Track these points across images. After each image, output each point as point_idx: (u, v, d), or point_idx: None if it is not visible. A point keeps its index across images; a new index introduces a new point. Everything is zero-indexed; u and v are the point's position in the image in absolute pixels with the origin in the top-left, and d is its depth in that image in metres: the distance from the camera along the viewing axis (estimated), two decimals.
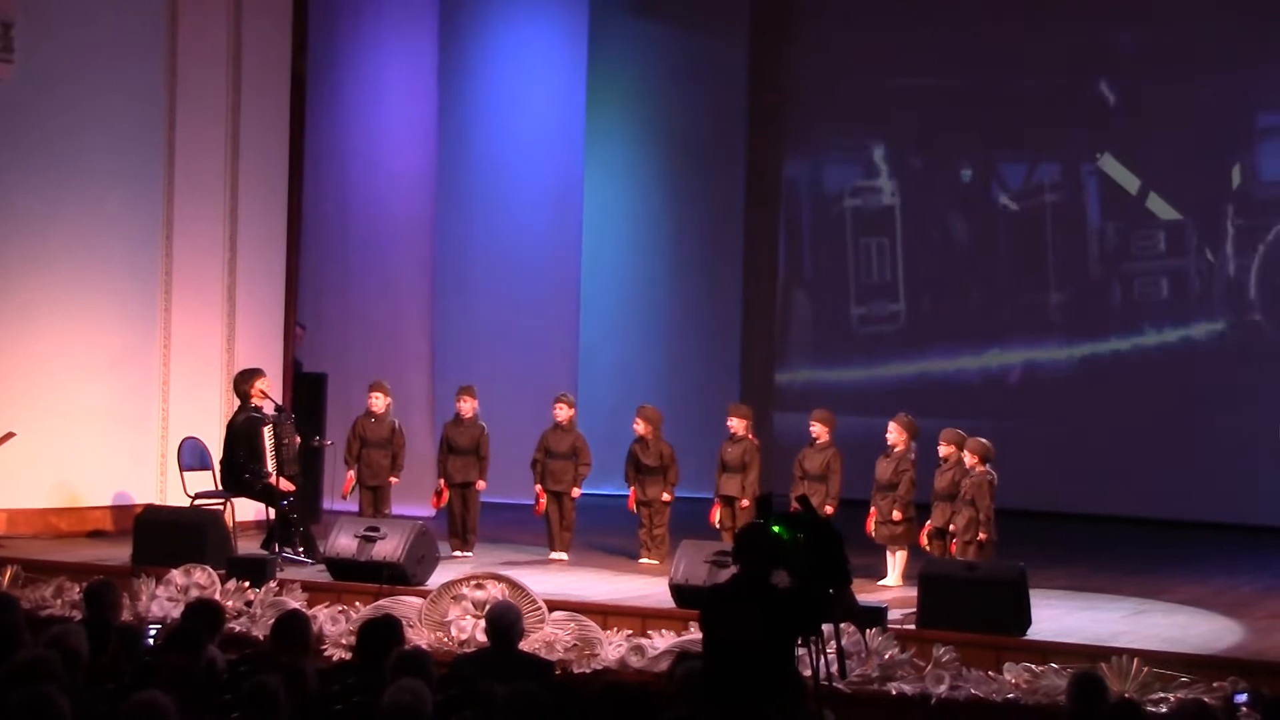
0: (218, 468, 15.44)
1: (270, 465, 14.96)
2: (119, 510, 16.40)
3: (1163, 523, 19.35)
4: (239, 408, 15.23)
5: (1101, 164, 20.56)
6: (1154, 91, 20.20)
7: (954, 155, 21.20)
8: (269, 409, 15.13)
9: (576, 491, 15.69)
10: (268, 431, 14.93)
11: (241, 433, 15.00)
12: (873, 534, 14.54)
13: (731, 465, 15.34)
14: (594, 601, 13.24)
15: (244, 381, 15.25)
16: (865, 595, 13.06)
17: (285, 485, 15.00)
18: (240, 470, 14.99)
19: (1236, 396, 19.92)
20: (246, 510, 15.82)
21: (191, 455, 15.94)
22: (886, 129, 21.39)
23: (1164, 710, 10.77)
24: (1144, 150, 20.35)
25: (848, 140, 21.70)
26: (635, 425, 15.71)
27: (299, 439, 15.33)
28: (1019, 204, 20.96)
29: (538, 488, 15.72)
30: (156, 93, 16.81)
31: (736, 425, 15.49)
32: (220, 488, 15.36)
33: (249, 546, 14.92)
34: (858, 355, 21.57)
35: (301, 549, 14.83)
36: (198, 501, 15.26)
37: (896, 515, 14.43)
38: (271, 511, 15.07)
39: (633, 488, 15.65)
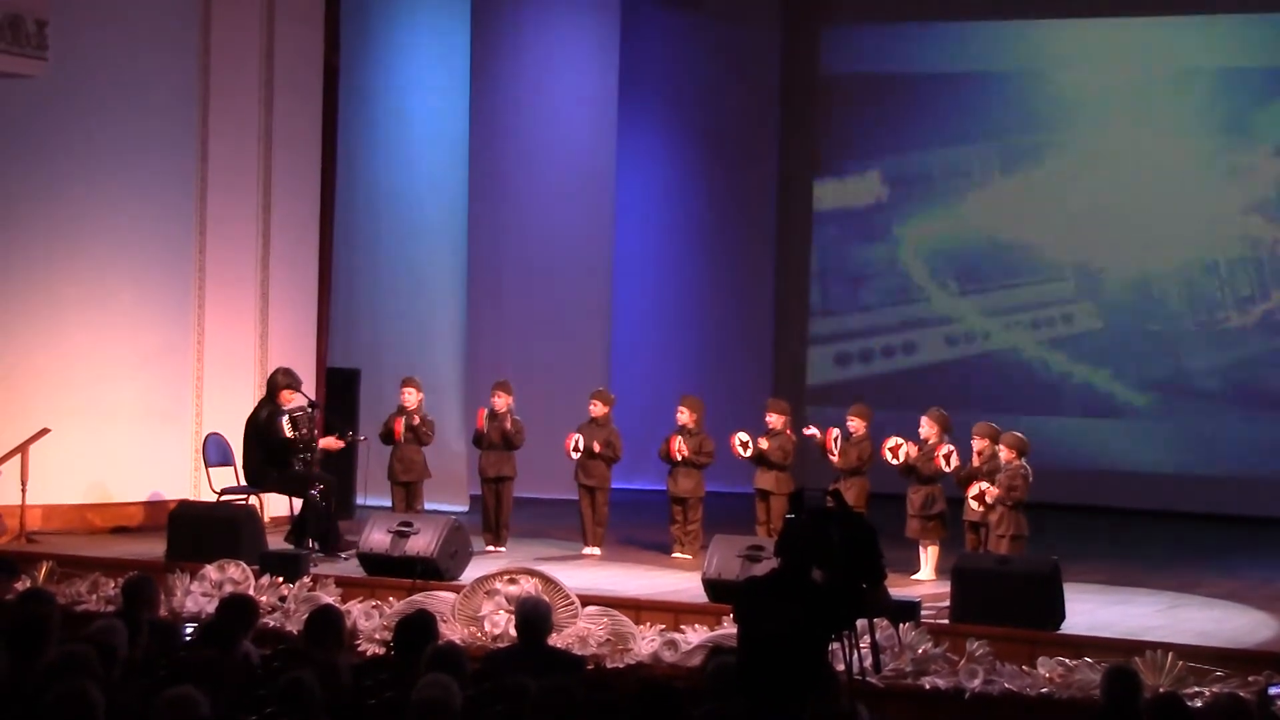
0: (240, 463, 15.50)
1: (293, 461, 15.01)
2: (153, 506, 16.46)
3: (1197, 516, 19.32)
4: (262, 401, 15.29)
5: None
6: None
7: (990, 142, 21.16)
8: (297, 402, 15.13)
9: (598, 446, 15.57)
10: (286, 424, 14.94)
11: (264, 428, 15.02)
12: (893, 456, 14.57)
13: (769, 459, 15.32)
14: (627, 596, 13.23)
15: (281, 378, 15.21)
16: (898, 589, 13.04)
17: (334, 443, 15.44)
18: (268, 466, 15.04)
19: (1274, 390, 19.86)
20: (279, 505, 15.87)
21: (216, 451, 16.00)
22: (919, 114, 21.36)
23: (1199, 704, 10.72)
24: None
25: (882, 129, 21.66)
26: (679, 414, 15.62)
27: (320, 434, 15.35)
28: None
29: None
30: (190, 89, 16.85)
31: (775, 420, 15.45)
32: (244, 483, 15.41)
33: (279, 541, 14.93)
34: (886, 346, 21.58)
35: (326, 540, 14.81)
36: (224, 497, 15.32)
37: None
38: (298, 504, 15.11)
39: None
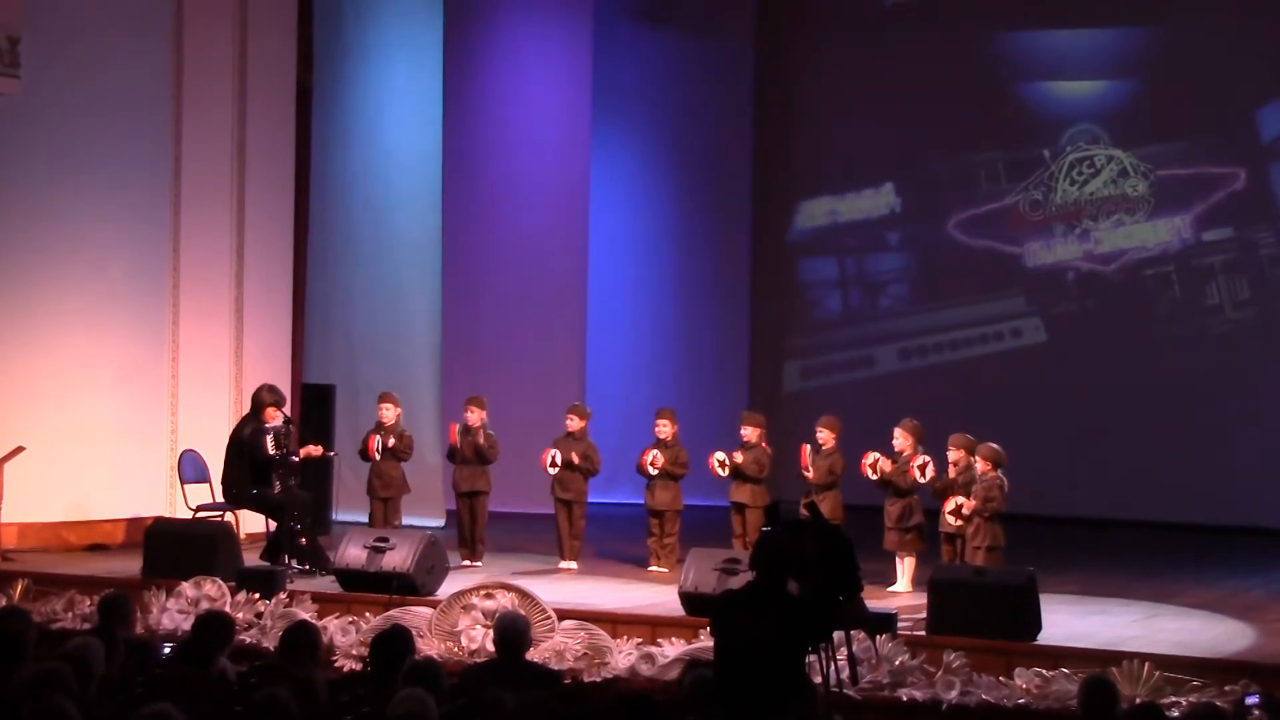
0: (217, 480, 15.45)
1: (274, 478, 14.99)
2: (129, 523, 16.41)
3: (1173, 526, 19.33)
4: (245, 418, 15.25)
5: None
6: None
7: (963, 158, 21.20)
8: (276, 421, 15.10)
9: (575, 459, 15.61)
10: (269, 441, 14.91)
11: (247, 444, 14.98)
12: (873, 472, 14.57)
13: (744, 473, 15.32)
14: (604, 610, 13.22)
15: (267, 395, 15.14)
16: (875, 601, 13.05)
17: (314, 450, 15.35)
18: (248, 483, 15.00)
19: (1247, 399, 19.89)
20: (255, 522, 15.83)
21: (191, 468, 15.97)
22: (895, 134, 21.38)
23: (1176, 714, 10.75)
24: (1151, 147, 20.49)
25: (856, 145, 21.67)
26: (659, 427, 15.62)
27: (300, 451, 15.35)
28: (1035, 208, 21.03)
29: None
30: (163, 105, 16.83)
31: (750, 433, 15.45)
32: (223, 499, 15.38)
33: (253, 558, 14.90)
34: (861, 358, 21.62)
35: (308, 560, 14.79)
36: (199, 514, 15.28)
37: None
38: (273, 523, 15.08)
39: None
